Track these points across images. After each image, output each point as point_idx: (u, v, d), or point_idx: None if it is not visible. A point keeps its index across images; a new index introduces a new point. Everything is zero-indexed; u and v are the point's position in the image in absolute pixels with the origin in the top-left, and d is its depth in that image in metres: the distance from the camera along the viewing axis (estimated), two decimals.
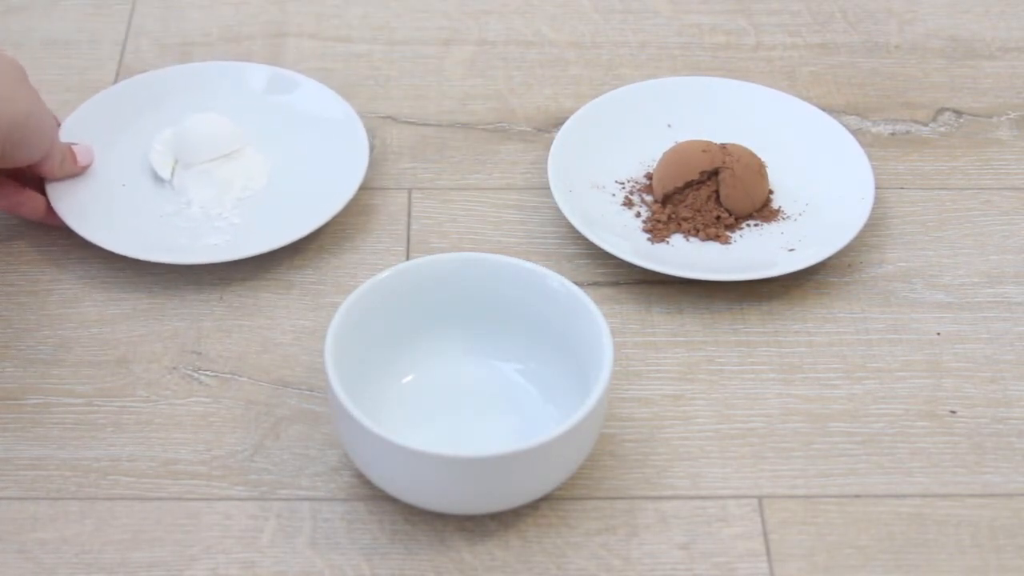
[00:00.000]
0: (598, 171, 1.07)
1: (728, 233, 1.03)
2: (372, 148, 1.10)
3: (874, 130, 1.13)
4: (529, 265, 0.91)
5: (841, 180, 1.05)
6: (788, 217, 1.04)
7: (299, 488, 0.89)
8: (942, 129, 1.13)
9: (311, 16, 1.22)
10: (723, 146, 1.04)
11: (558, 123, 1.11)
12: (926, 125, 1.13)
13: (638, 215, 1.04)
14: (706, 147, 1.04)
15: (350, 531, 0.87)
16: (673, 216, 1.03)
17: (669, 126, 1.10)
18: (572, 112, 1.10)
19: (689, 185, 1.03)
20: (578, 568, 0.85)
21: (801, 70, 1.18)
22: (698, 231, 1.03)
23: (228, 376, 0.95)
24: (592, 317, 0.88)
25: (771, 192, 1.06)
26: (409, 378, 0.93)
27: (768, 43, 1.20)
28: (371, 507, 0.88)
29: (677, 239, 1.03)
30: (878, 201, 1.06)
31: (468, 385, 0.93)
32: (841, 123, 1.09)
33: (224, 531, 0.87)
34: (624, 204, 1.05)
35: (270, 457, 0.91)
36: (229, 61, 1.15)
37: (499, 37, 1.20)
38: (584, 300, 0.89)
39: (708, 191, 1.03)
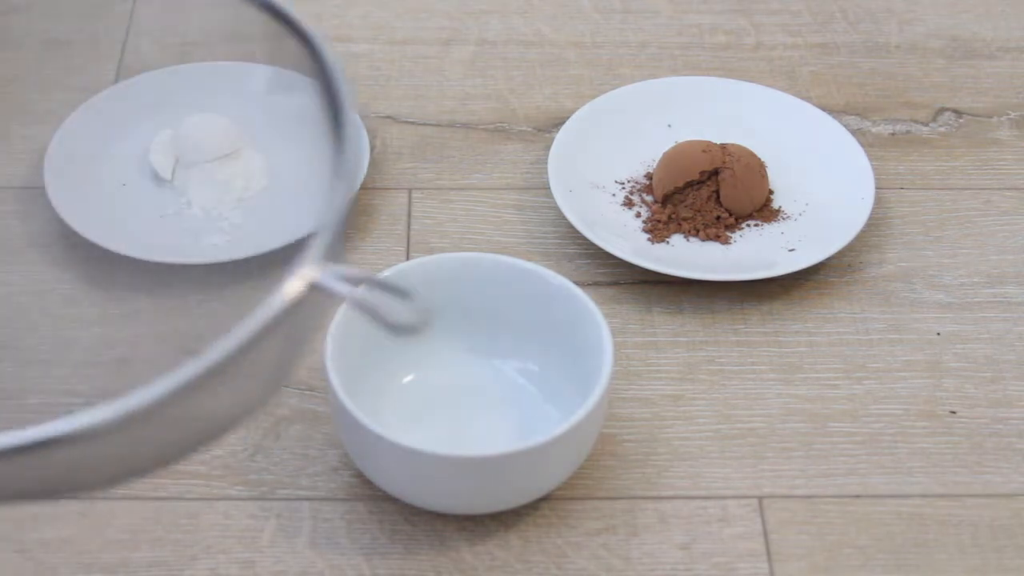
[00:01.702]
0: (598, 171, 1.07)
1: (728, 233, 1.03)
2: (372, 148, 1.10)
3: (874, 130, 1.13)
4: (529, 265, 0.91)
5: (841, 180, 1.05)
6: (788, 217, 1.04)
7: (299, 488, 0.89)
8: (942, 129, 1.13)
9: (311, 16, 1.21)
10: (723, 146, 1.04)
11: (558, 123, 1.11)
12: (926, 125, 1.13)
13: (638, 215, 1.04)
14: (706, 147, 1.03)
15: (350, 531, 0.87)
16: (673, 216, 1.03)
17: (669, 126, 1.10)
18: (572, 112, 1.10)
19: (689, 185, 1.03)
20: (578, 568, 0.85)
21: (801, 70, 1.18)
22: (698, 231, 1.03)
23: None
24: (592, 317, 0.88)
25: (771, 192, 1.06)
26: (409, 378, 0.93)
27: (768, 43, 1.20)
28: (371, 507, 0.88)
29: (677, 239, 1.03)
30: (878, 201, 1.06)
31: (468, 385, 0.93)
32: (841, 123, 1.09)
33: (224, 531, 0.87)
34: (624, 204, 1.05)
35: (270, 457, 0.91)
36: (229, 61, 1.15)
37: (499, 37, 1.20)
38: (584, 300, 0.89)
39: (708, 191, 1.03)
